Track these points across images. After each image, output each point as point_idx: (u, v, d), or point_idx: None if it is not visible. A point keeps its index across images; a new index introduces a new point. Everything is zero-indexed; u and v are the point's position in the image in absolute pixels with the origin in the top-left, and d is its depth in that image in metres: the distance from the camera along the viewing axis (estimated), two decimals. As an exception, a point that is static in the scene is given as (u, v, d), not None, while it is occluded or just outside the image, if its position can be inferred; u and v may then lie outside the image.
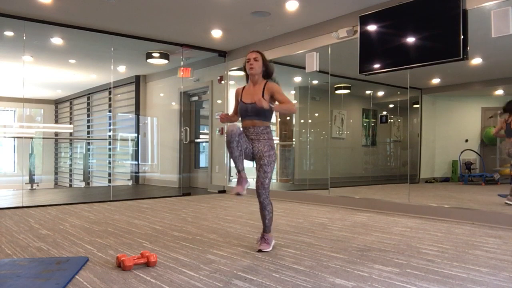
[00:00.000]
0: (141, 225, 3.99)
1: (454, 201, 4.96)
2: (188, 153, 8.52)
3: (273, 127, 7.48)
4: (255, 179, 2.97)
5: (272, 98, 3.00)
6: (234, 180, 7.15)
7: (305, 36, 5.97)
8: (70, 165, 10.69)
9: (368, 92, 7.06)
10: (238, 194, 2.87)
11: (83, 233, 3.57)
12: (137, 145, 9.07)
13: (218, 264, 2.55)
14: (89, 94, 10.18)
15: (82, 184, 9.39)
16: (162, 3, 5.04)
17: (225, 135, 2.83)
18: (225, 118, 3.12)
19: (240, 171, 2.91)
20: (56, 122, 11.38)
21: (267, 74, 3.08)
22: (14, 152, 9.94)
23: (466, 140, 6.26)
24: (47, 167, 10.60)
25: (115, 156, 9.55)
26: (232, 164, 7.13)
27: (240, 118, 3.12)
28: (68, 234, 3.53)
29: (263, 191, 2.93)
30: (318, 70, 5.80)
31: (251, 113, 2.97)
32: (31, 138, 8.92)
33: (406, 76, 4.93)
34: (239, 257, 2.74)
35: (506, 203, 4.45)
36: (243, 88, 3.12)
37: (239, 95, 3.10)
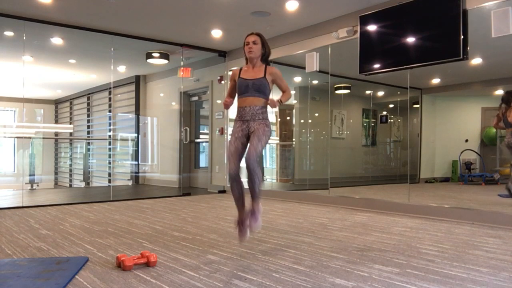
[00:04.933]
0: (141, 225, 3.99)
1: (454, 201, 4.96)
2: (188, 153, 8.52)
3: (273, 127, 7.48)
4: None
5: (274, 83, 3.03)
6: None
7: (305, 36, 5.97)
8: (70, 165, 10.68)
9: (368, 92, 7.06)
10: (242, 239, 2.94)
11: (83, 233, 3.57)
12: (137, 145, 9.06)
13: (218, 264, 2.55)
14: (89, 94, 10.17)
15: (82, 184, 9.39)
16: (162, 3, 5.04)
17: (228, 173, 2.90)
18: (228, 104, 3.07)
19: (239, 210, 2.94)
20: (56, 122, 11.37)
21: (265, 57, 3.08)
22: (14, 152, 9.94)
23: (466, 140, 6.25)
24: (47, 167, 10.59)
25: (115, 156, 9.55)
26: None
27: (237, 96, 3.06)
28: (68, 234, 3.53)
29: (254, 157, 2.79)
30: (318, 70, 5.79)
31: (251, 89, 2.95)
32: (31, 138, 8.91)
33: (406, 76, 4.93)
34: (239, 257, 2.74)
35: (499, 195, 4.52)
36: (240, 69, 3.11)
37: (236, 75, 3.08)
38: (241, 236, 2.95)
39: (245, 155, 2.87)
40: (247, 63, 3.12)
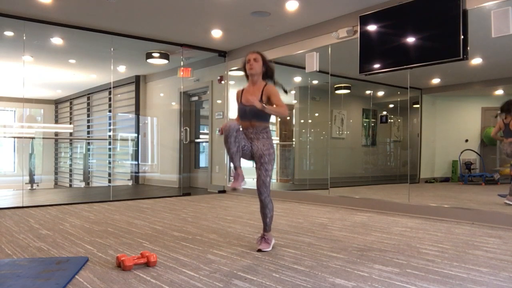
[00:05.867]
0: (141, 225, 3.99)
1: (454, 201, 4.96)
2: (188, 153, 8.52)
3: (273, 127, 7.48)
4: (255, 179, 2.97)
5: (269, 100, 3.01)
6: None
7: (305, 36, 5.97)
8: (70, 165, 10.69)
9: (368, 92, 7.06)
10: (234, 189, 2.88)
11: (83, 233, 3.57)
12: (137, 145, 9.06)
13: (218, 264, 2.55)
14: (89, 94, 10.18)
15: (82, 184, 9.39)
16: (162, 3, 5.04)
17: (223, 131, 2.86)
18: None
19: (236, 167, 2.92)
20: (56, 122, 11.38)
21: (268, 75, 3.11)
22: (14, 152, 9.94)
23: (466, 140, 6.26)
24: (47, 167, 10.60)
25: (115, 156, 9.55)
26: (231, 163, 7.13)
27: (239, 118, 3.13)
28: (68, 234, 3.53)
29: (264, 189, 2.94)
30: (318, 70, 5.79)
31: (249, 114, 2.99)
32: (31, 138, 8.91)
33: (406, 76, 4.93)
34: (239, 257, 2.74)
35: (505, 203, 4.46)
36: (243, 90, 3.14)
37: (239, 97, 3.12)
38: (234, 185, 2.88)
39: (256, 187, 2.95)
40: (248, 81, 3.14)
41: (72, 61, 7.75)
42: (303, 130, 7.41)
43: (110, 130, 9.54)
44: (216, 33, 6.28)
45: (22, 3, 5.01)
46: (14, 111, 10.31)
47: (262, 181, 2.93)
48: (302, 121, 7.45)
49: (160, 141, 9.11)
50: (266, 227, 3.01)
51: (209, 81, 7.85)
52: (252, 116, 2.97)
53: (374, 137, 7.46)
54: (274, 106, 2.94)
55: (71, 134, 11.10)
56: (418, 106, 6.27)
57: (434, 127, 6.61)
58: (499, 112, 5.01)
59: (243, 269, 2.45)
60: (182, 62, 7.35)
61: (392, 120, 7.25)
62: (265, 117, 3.00)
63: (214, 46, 7.11)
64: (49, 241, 3.22)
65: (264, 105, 2.88)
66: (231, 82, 7.38)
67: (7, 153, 10.09)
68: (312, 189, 6.44)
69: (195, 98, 8.57)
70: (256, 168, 2.98)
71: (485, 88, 5.91)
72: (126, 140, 9.35)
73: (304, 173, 7.39)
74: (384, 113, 7.38)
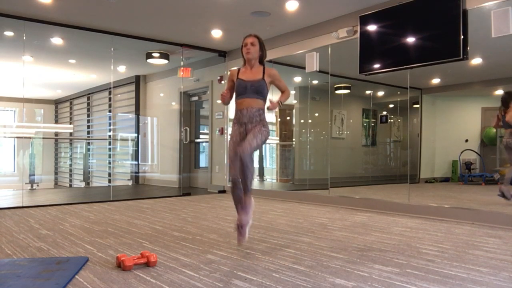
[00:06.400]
0: (141, 225, 3.99)
1: (454, 201, 4.96)
2: (188, 153, 8.52)
3: (273, 127, 7.47)
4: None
5: (273, 83, 3.09)
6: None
7: (305, 36, 5.97)
8: (70, 165, 10.68)
9: (368, 92, 7.06)
10: (241, 242, 2.93)
11: (83, 233, 3.57)
12: (137, 145, 9.06)
13: (218, 264, 2.55)
14: (89, 94, 10.18)
15: (82, 184, 9.39)
16: (162, 3, 5.04)
17: (229, 178, 2.89)
18: (225, 96, 3.08)
19: (239, 212, 2.99)
20: (56, 122, 11.37)
21: (262, 59, 3.13)
22: (14, 152, 9.94)
23: (466, 140, 6.26)
24: (47, 167, 10.59)
25: (115, 156, 9.55)
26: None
27: (235, 97, 3.09)
28: (68, 234, 3.53)
29: (248, 152, 2.81)
30: (318, 70, 5.80)
31: (250, 90, 2.98)
32: (31, 138, 8.91)
33: (406, 76, 4.93)
34: (239, 257, 2.74)
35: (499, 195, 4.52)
36: (239, 70, 3.13)
37: (234, 76, 3.11)
38: (240, 239, 2.94)
39: (239, 148, 2.85)
40: (244, 65, 3.15)
41: (72, 61, 7.75)
42: (303, 130, 7.41)
43: (110, 130, 9.53)
44: (216, 33, 6.28)
45: (22, 3, 5.01)
46: (14, 111, 10.31)
47: (248, 143, 2.82)
48: (302, 121, 7.45)
49: (160, 141, 9.11)
50: (247, 188, 2.89)
51: (209, 81, 7.85)
52: (253, 92, 2.97)
53: (374, 137, 7.46)
54: (282, 92, 3.11)
55: (71, 134, 11.10)
56: (418, 106, 6.27)
57: (434, 127, 6.61)
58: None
59: (243, 269, 2.45)
60: (182, 62, 7.35)
61: (392, 120, 7.25)
62: (264, 95, 3.02)
63: (214, 46, 7.11)
64: (49, 241, 3.22)
65: (280, 101, 3.00)
66: (231, 82, 7.37)
67: (7, 153, 10.09)
68: (312, 189, 6.43)
69: (195, 98, 8.57)
70: (246, 137, 2.92)
71: (485, 88, 5.91)
72: (126, 140, 9.35)
73: (304, 173, 7.39)
74: (384, 113, 7.38)
